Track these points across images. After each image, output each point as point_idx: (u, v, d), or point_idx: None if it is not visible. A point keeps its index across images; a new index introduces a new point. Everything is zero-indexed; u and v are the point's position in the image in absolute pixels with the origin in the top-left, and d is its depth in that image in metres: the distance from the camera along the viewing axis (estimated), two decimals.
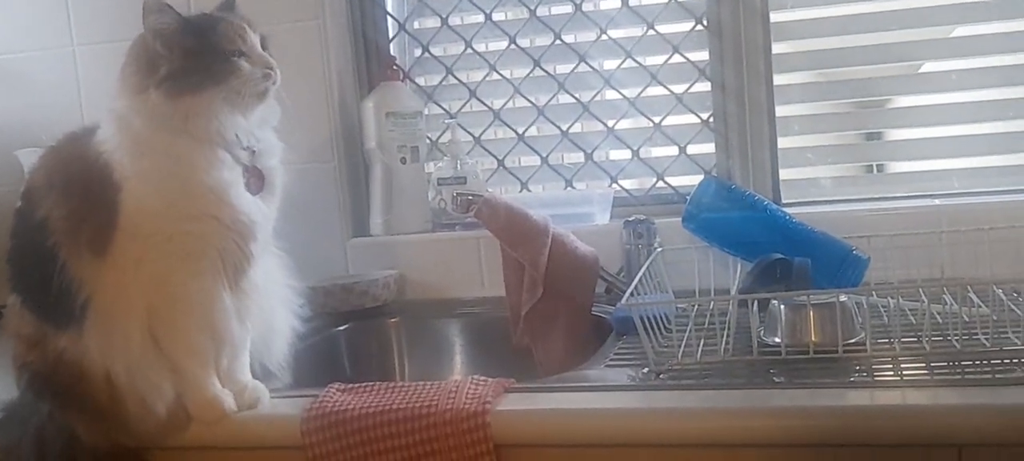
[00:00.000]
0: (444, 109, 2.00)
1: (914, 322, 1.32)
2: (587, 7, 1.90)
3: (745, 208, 1.53)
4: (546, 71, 1.93)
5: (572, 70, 1.91)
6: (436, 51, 2.00)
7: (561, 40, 1.91)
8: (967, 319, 1.23)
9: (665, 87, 1.86)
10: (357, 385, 1.23)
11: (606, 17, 1.88)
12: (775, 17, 1.79)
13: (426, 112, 1.98)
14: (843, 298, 1.23)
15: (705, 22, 1.83)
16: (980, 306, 1.26)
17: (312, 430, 1.15)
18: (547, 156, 1.95)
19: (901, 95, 1.80)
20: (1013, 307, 1.23)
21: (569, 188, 1.96)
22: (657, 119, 1.88)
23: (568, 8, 1.91)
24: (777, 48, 1.80)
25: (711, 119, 1.85)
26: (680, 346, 1.25)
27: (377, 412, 1.14)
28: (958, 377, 1.09)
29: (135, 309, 1.17)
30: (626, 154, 1.92)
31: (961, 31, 1.75)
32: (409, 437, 1.13)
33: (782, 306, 1.24)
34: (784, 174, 1.83)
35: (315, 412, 1.16)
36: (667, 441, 1.08)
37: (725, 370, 1.19)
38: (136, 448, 1.21)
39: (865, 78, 1.80)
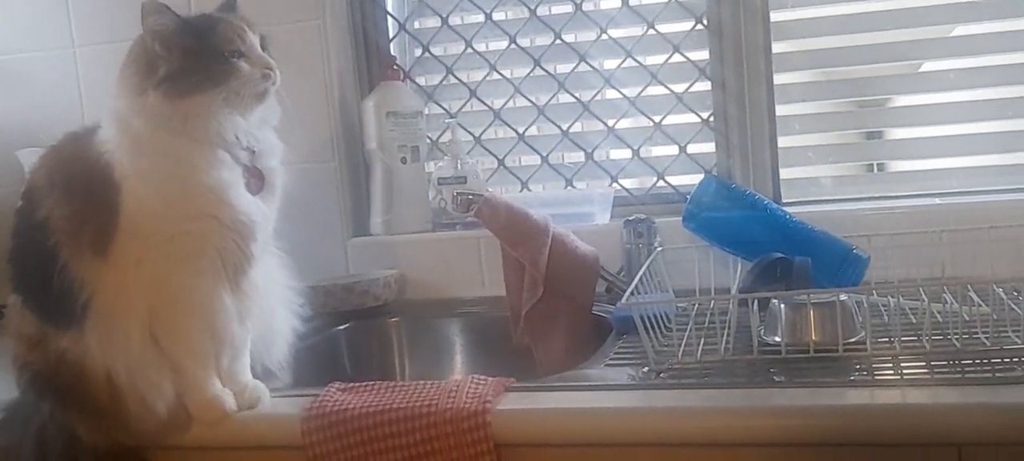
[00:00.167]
0: (444, 109, 2.00)
1: (914, 321, 1.33)
2: (587, 7, 1.90)
3: (745, 207, 1.53)
4: (546, 71, 1.93)
5: (572, 70, 1.91)
6: (436, 51, 2.00)
7: (561, 40, 1.91)
8: (967, 318, 1.23)
9: (665, 86, 1.86)
10: (357, 385, 1.23)
11: (606, 17, 1.88)
12: (775, 16, 1.79)
13: (426, 112, 1.98)
14: (843, 297, 1.23)
15: (705, 21, 1.83)
16: (980, 305, 1.26)
17: (312, 430, 1.15)
18: (547, 155, 1.95)
19: (901, 94, 1.80)
20: (1013, 306, 1.24)
21: (569, 187, 1.96)
22: (657, 118, 1.88)
23: (568, 8, 1.91)
24: (777, 47, 1.80)
25: (711, 118, 1.85)
26: (680, 345, 1.25)
27: (377, 411, 1.14)
28: (958, 376, 1.09)
29: (136, 309, 1.17)
30: (626, 153, 1.92)
31: (961, 30, 1.75)
32: (409, 436, 1.13)
33: (782, 305, 1.24)
34: (784, 173, 1.83)
35: (315, 412, 1.16)
36: (667, 440, 1.08)
37: (725, 369, 1.19)
38: (137, 448, 1.21)
39: (865, 77, 1.80)
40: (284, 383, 1.35)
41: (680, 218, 1.55)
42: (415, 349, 1.79)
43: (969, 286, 1.30)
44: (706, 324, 1.35)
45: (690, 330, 1.31)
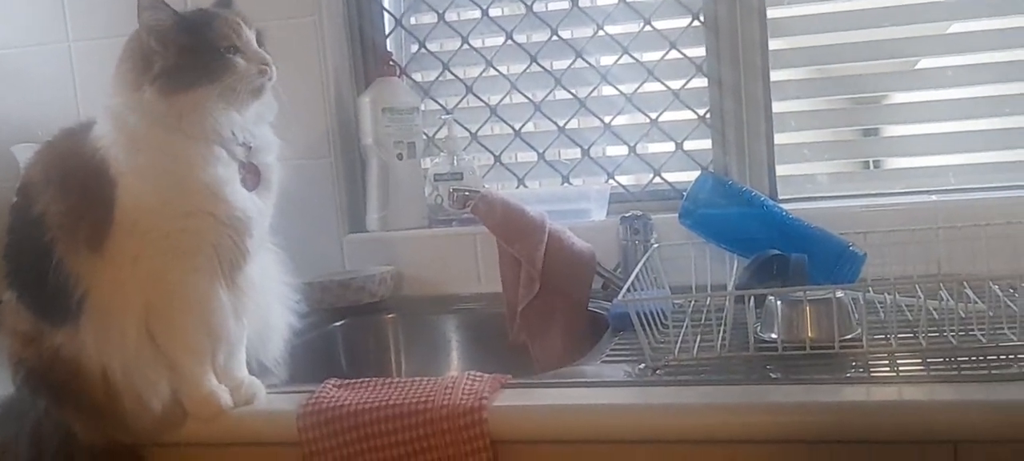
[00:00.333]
0: (440, 105, 1.99)
1: (910, 318, 1.33)
2: (584, 3, 1.90)
3: (742, 204, 1.53)
4: (543, 67, 1.93)
5: (569, 66, 1.91)
6: (433, 47, 2.00)
7: (558, 36, 1.91)
8: (963, 315, 1.24)
9: (662, 83, 1.86)
10: (353, 381, 1.23)
11: (603, 13, 1.88)
12: (772, 13, 1.79)
13: (422, 108, 1.97)
14: (839, 294, 1.23)
15: (702, 18, 1.83)
16: (976, 302, 1.26)
17: (308, 426, 1.15)
18: (544, 152, 1.95)
19: (897, 91, 1.80)
20: (1009, 303, 1.24)
21: (566, 184, 1.96)
22: (654, 115, 1.88)
23: (565, 4, 1.91)
24: (774, 44, 1.80)
25: (708, 115, 1.85)
26: (677, 342, 1.25)
27: (373, 408, 1.14)
28: (954, 373, 1.09)
29: (131, 305, 1.17)
30: (623, 150, 1.92)
31: (957, 27, 1.75)
32: (405, 433, 1.13)
33: (779, 302, 1.24)
34: (780, 170, 1.83)
35: (311, 408, 1.16)
36: (664, 437, 1.08)
37: (721, 366, 1.19)
38: (132, 444, 1.21)
39: (862, 74, 1.80)
40: (280, 379, 1.35)
41: (676, 215, 1.56)
42: (411, 345, 1.78)
43: (965, 283, 1.30)
44: (702, 321, 1.35)
45: (686, 327, 1.31)
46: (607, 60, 1.90)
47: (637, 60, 1.87)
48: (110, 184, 1.16)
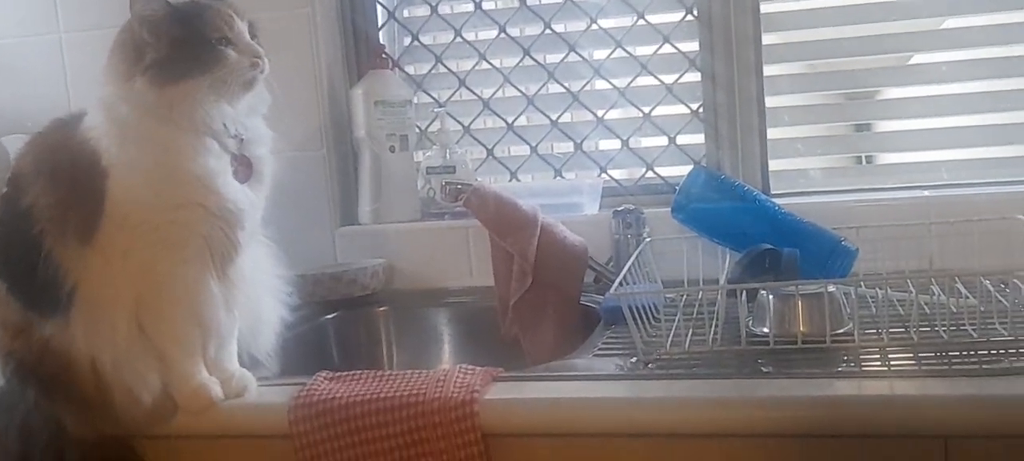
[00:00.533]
0: (433, 98, 1.99)
1: (902, 313, 1.33)
2: None
3: (734, 198, 1.53)
4: (536, 60, 1.92)
5: (562, 59, 1.91)
6: (425, 39, 1.99)
7: (551, 29, 1.91)
8: (955, 310, 1.24)
9: (655, 77, 1.86)
10: (345, 374, 1.22)
11: (596, 7, 1.88)
12: (765, 8, 1.79)
13: (415, 101, 1.97)
14: (831, 288, 1.23)
15: (695, 12, 1.83)
16: (968, 297, 1.26)
17: (300, 419, 1.15)
18: (536, 146, 1.95)
19: (891, 86, 1.80)
20: (1000, 298, 1.24)
21: (558, 178, 1.95)
22: (647, 109, 1.87)
23: None
24: (767, 39, 1.80)
25: (701, 109, 1.85)
26: (668, 336, 1.25)
27: (365, 401, 1.14)
28: (946, 368, 1.09)
29: (121, 298, 1.16)
30: (616, 144, 1.91)
31: (951, 23, 1.75)
32: (397, 426, 1.12)
33: (771, 296, 1.24)
34: (773, 165, 1.83)
35: (303, 401, 1.16)
36: (655, 430, 1.08)
37: (713, 360, 1.20)
38: (123, 437, 1.20)
39: (855, 69, 1.80)
40: (271, 372, 1.35)
41: (669, 209, 1.55)
42: (403, 339, 1.78)
43: (957, 278, 1.30)
44: (694, 315, 1.35)
45: (678, 321, 1.31)
46: (600, 54, 1.90)
47: (630, 54, 1.87)
48: (101, 175, 1.15)
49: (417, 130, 1.98)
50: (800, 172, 1.85)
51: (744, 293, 1.25)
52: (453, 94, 1.98)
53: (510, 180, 1.98)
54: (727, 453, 1.07)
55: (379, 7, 1.99)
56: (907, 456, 1.02)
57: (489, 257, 1.59)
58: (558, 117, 1.93)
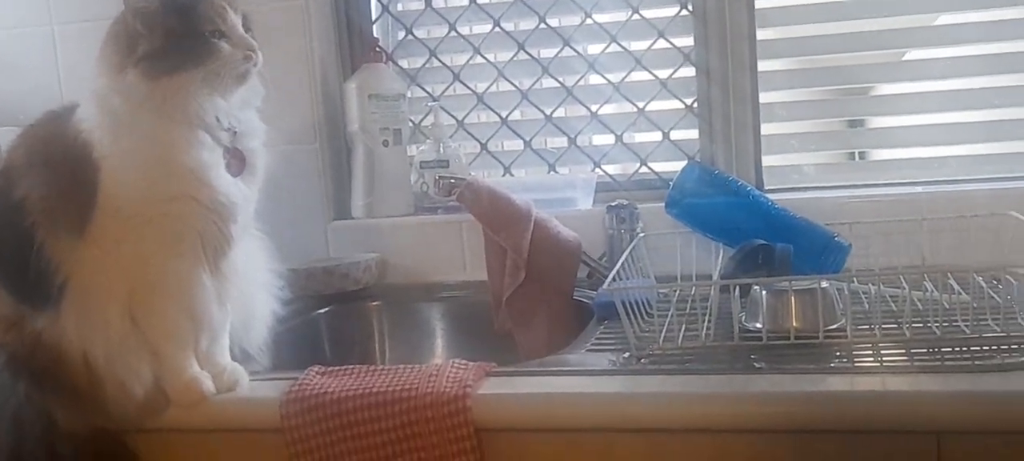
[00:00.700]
0: (427, 92, 1.99)
1: (895, 309, 1.33)
2: None
3: (728, 194, 1.53)
4: (530, 55, 1.92)
5: (556, 54, 1.91)
6: (420, 33, 1.99)
7: (545, 24, 1.91)
8: (947, 306, 1.24)
9: (649, 72, 1.86)
10: (337, 368, 1.22)
11: (591, 1, 1.87)
12: (760, 3, 1.79)
13: (409, 95, 1.97)
14: (824, 284, 1.23)
15: (690, 7, 1.83)
16: (960, 293, 1.26)
17: (292, 413, 1.15)
18: (530, 140, 1.95)
19: (884, 83, 1.80)
20: (993, 294, 1.24)
21: (552, 172, 1.95)
22: (641, 104, 1.87)
23: None
24: (761, 34, 1.80)
25: (695, 105, 1.85)
26: (662, 331, 1.25)
27: (357, 395, 1.14)
28: (938, 363, 1.10)
29: (114, 291, 1.16)
30: (609, 139, 1.91)
31: (944, 19, 1.75)
32: (389, 420, 1.12)
33: (764, 292, 1.24)
34: (767, 160, 1.83)
35: (295, 395, 1.16)
36: (648, 425, 1.08)
37: (706, 355, 1.20)
38: (114, 431, 1.20)
39: (849, 65, 1.80)
40: (263, 366, 1.35)
41: (663, 204, 1.55)
42: (396, 333, 1.78)
43: (949, 274, 1.30)
44: (688, 310, 1.35)
45: (672, 316, 1.31)
46: (595, 48, 1.90)
47: (625, 49, 1.87)
48: (93, 168, 1.15)
49: (411, 124, 1.98)
50: (794, 168, 1.86)
51: (737, 289, 1.25)
52: (447, 88, 1.98)
53: (504, 175, 1.98)
54: (720, 448, 1.07)
55: (373, 0, 1.99)
56: (900, 452, 1.02)
57: (482, 252, 1.59)
58: (552, 112, 1.92)
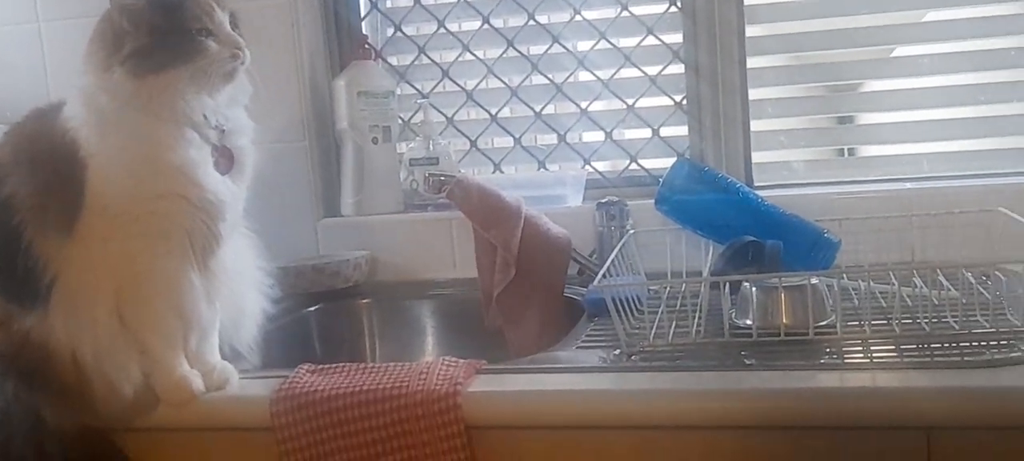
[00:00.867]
0: (416, 89, 1.98)
1: (884, 305, 1.33)
2: None
3: (718, 190, 1.53)
4: (519, 52, 1.92)
5: (545, 51, 1.91)
6: (408, 30, 1.99)
7: (535, 20, 1.90)
8: (937, 302, 1.24)
9: (639, 69, 1.86)
10: (327, 366, 1.22)
11: None
12: (748, 0, 1.79)
13: (398, 92, 1.96)
14: (814, 281, 1.23)
15: (679, 4, 1.83)
16: (950, 289, 1.26)
17: (282, 411, 1.14)
18: (520, 137, 1.95)
19: (873, 79, 1.81)
20: (982, 290, 1.24)
21: (542, 169, 1.95)
22: (630, 101, 1.87)
23: None
24: (751, 31, 1.80)
25: (684, 101, 1.85)
26: (652, 328, 1.25)
27: (347, 393, 1.13)
28: (928, 360, 1.10)
29: (102, 289, 1.16)
30: (599, 136, 1.91)
31: (932, 16, 1.76)
32: (380, 418, 1.12)
33: (754, 288, 1.24)
34: (757, 157, 1.83)
35: (285, 393, 1.16)
36: (638, 423, 1.08)
37: (697, 352, 1.20)
38: (103, 429, 1.19)
39: (838, 61, 1.80)
40: (253, 364, 1.34)
41: (652, 201, 1.55)
42: (386, 331, 1.78)
43: (939, 270, 1.31)
44: (678, 307, 1.35)
45: (662, 313, 1.31)
46: (584, 45, 1.90)
47: (614, 45, 1.87)
48: (80, 166, 1.14)
49: (400, 121, 1.97)
50: (783, 164, 1.86)
51: (727, 285, 1.25)
52: (436, 85, 1.97)
53: (493, 172, 1.98)
54: (710, 445, 1.07)
55: None
56: (889, 447, 1.02)
57: (472, 249, 1.59)
58: (542, 109, 1.92)
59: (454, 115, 1.97)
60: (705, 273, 1.44)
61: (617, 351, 1.22)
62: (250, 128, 1.27)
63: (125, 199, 1.15)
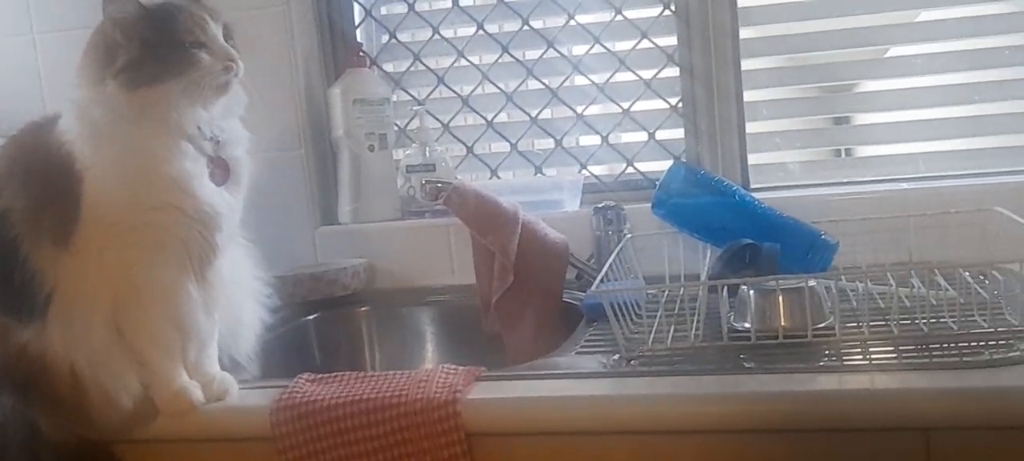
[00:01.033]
0: (412, 96, 1.98)
1: (882, 306, 1.33)
2: None
3: (714, 193, 1.53)
4: (514, 57, 1.92)
5: (540, 56, 1.90)
6: (403, 37, 1.99)
7: (529, 26, 1.90)
8: (935, 302, 1.24)
9: (634, 72, 1.86)
10: (327, 375, 1.22)
11: (574, 2, 1.87)
12: (742, 1, 1.79)
13: (394, 99, 1.96)
14: (812, 283, 1.23)
15: (673, 7, 1.83)
16: (947, 289, 1.27)
17: (282, 421, 1.14)
18: (516, 143, 1.95)
19: (868, 79, 1.81)
20: (979, 290, 1.25)
21: (538, 175, 1.95)
22: (626, 105, 1.87)
23: None
24: (745, 33, 1.80)
25: (680, 104, 1.85)
26: (650, 332, 1.25)
27: (347, 402, 1.13)
28: (926, 360, 1.10)
29: (98, 301, 1.16)
30: (595, 140, 1.91)
31: (926, 16, 1.76)
32: (380, 427, 1.12)
33: (751, 291, 1.24)
34: (752, 159, 1.83)
35: (284, 403, 1.15)
36: (638, 427, 1.08)
37: (695, 356, 1.20)
38: (102, 441, 1.19)
39: (832, 62, 1.80)
40: (252, 374, 1.34)
41: (649, 205, 1.55)
42: (384, 338, 1.78)
43: (936, 270, 1.31)
44: (676, 311, 1.35)
45: (660, 317, 1.31)
46: (579, 50, 1.90)
47: (609, 50, 1.87)
48: (76, 178, 1.14)
49: (396, 128, 1.97)
50: (779, 166, 1.86)
51: (725, 288, 1.25)
52: (432, 92, 1.97)
53: (490, 177, 1.97)
54: (709, 449, 1.07)
55: (356, 5, 1.98)
56: (889, 449, 1.02)
57: (470, 255, 1.59)
58: (538, 114, 1.92)
59: (450, 121, 1.97)
60: (703, 277, 1.44)
61: (616, 356, 1.22)
62: (245, 138, 1.27)
63: (121, 210, 1.15)
